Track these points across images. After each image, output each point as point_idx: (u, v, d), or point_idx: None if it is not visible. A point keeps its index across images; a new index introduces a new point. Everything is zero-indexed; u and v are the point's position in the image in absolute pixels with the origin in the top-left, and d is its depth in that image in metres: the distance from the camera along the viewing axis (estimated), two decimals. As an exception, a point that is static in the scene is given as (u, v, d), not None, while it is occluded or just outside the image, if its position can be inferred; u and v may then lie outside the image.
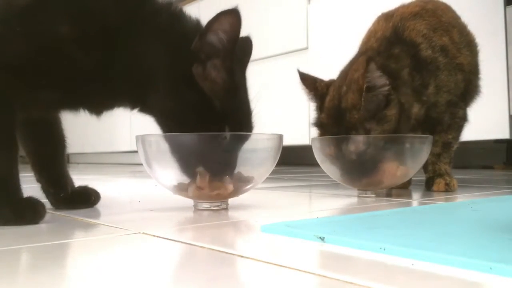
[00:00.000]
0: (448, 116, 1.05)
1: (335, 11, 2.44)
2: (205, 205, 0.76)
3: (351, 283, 0.34)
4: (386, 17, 1.08)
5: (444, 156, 1.06)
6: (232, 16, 0.68)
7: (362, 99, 0.88)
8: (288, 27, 2.64)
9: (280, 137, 0.78)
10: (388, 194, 1.01)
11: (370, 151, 0.88)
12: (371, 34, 1.07)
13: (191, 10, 2.84)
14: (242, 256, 0.43)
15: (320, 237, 0.47)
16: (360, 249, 0.43)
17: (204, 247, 0.48)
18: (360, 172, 0.91)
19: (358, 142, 0.87)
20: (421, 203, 0.89)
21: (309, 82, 1.00)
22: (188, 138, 0.71)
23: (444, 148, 1.06)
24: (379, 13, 1.13)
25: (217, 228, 0.61)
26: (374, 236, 0.47)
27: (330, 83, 0.98)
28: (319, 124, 0.97)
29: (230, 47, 0.70)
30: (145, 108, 0.73)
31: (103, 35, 0.67)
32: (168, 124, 0.72)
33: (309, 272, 0.37)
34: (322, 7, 2.51)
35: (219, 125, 0.71)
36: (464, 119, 1.09)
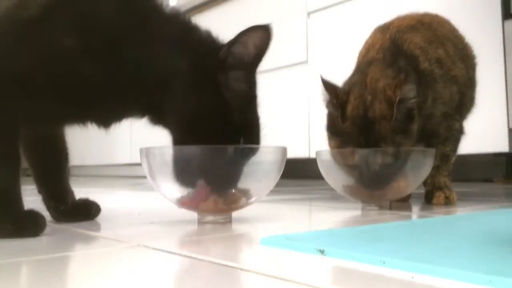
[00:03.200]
0: (444, 128, 1.06)
1: (334, 25, 2.45)
2: (210, 218, 0.76)
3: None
4: (382, 30, 1.09)
5: (443, 169, 1.06)
6: (264, 32, 0.70)
7: (395, 110, 0.87)
8: (287, 41, 2.65)
9: (284, 150, 0.78)
10: (390, 207, 1.01)
11: (397, 164, 0.88)
12: (369, 47, 1.08)
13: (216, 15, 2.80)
14: (242, 269, 0.43)
15: (320, 250, 0.47)
16: (360, 262, 0.43)
17: (204, 260, 0.48)
18: (379, 184, 0.90)
19: (387, 155, 0.87)
20: (422, 216, 0.89)
21: (331, 88, 0.97)
22: (203, 150, 0.70)
23: (443, 160, 1.06)
24: (378, 24, 1.14)
25: (219, 241, 0.61)
26: (375, 249, 0.47)
27: (349, 91, 0.95)
28: (341, 132, 0.93)
29: (256, 61, 0.71)
30: (157, 117, 0.73)
31: (111, 46, 0.67)
32: (183, 132, 0.71)
33: (308, 285, 0.37)
34: (321, 21, 2.52)
35: (235, 136, 0.71)
36: (460, 131, 1.09)
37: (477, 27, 1.80)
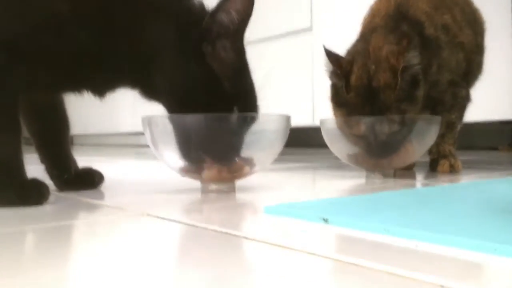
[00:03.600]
0: (450, 96, 1.04)
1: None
2: (214, 187, 0.76)
3: (355, 264, 0.34)
4: None
5: (448, 137, 1.06)
6: None
7: (399, 78, 0.86)
8: (291, 7, 2.61)
9: (288, 118, 0.77)
10: (394, 175, 1.01)
11: (404, 132, 0.87)
12: (375, 13, 1.06)
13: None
14: (245, 238, 0.43)
15: (323, 219, 0.47)
16: (363, 231, 0.43)
17: (207, 228, 0.48)
18: (385, 152, 0.90)
19: (394, 123, 0.86)
20: (426, 184, 0.88)
21: (334, 58, 0.96)
22: (201, 119, 0.70)
23: (448, 128, 1.05)
24: None
25: (223, 210, 0.61)
26: (378, 217, 0.47)
27: (352, 60, 0.94)
28: (346, 103, 0.92)
29: (241, 28, 0.70)
30: (148, 88, 0.72)
31: (102, 13, 0.66)
32: (175, 104, 0.71)
33: (312, 253, 0.37)
34: (326, -15, 2.47)
35: (228, 105, 0.70)
36: (466, 98, 1.08)
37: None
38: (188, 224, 0.50)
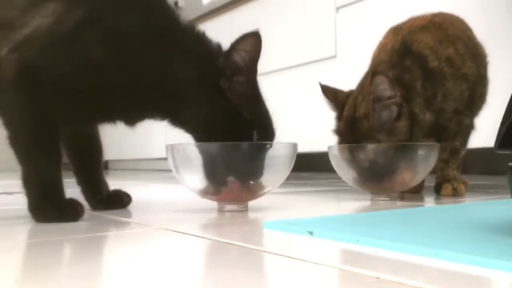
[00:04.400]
0: (455, 124, 1.11)
1: (363, 19, 2.48)
2: (230, 207, 0.85)
3: (322, 264, 0.43)
4: (395, 31, 1.15)
5: (452, 162, 1.12)
6: (254, 38, 0.78)
7: (370, 109, 0.95)
8: (316, 36, 2.70)
9: (295, 145, 0.86)
10: (401, 198, 1.08)
11: (381, 160, 0.95)
12: (382, 47, 1.15)
13: (225, 20, 2.97)
14: (243, 247, 0.52)
15: (309, 232, 0.55)
16: (339, 241, 0.52)
17: (217, 240, 0.57)
18: (374, 178, 0.98)
19: (368, 151, 0.95)
20: (419, 206, 0.95)
21: (330, 93, 1.07)
22: (228, 146, 0.79)
23: (452, 154, 1.12)
24: (406, 18, 1.20)
25: (232, 226, 0.70)
26: (357, 231, 0.55)
27: (350, 93, 1.06)
28: (337, 131, 1.05)
29: (252, 65, 0.80)
30: (176, 120, 0.83)
31: (133, 57, 0.77)
32: (201, 133, 0.81)
33: (294, 258, 0.46)
34: (350, 15, 2.55)
35: (248, 131, 0.81)
36: (470, 126, 1.14)
37: (491, 27, 1.81)
38: (203, 237, 0.60)
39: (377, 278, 0.37)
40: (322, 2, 2.63)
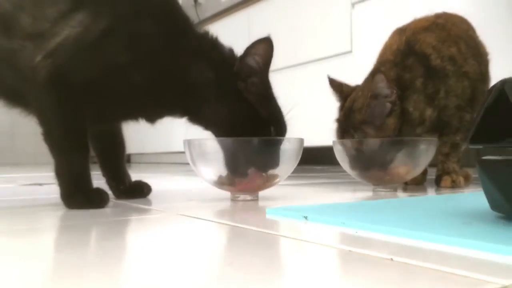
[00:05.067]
0: (457, 119, 1.18)
1: (378, 15, 2.52)
2: (242, 196, 0.93)
3: (311, 242, 0.51)
4: (400, 32, 1.22)
5: (452, 156, 1.19)
6: (266, 43, 0.87)
7: (365, 105, 1.03)
8: (332, 31, 2.74)
9: (301, 140, 0.94)
10: (404, 189, 1.15)
11: (366, 150, 1.04)
12: (387, 47, 1.22)
13: (242, 16, 3.04)
14: (242, 227, 0.61)
15: (304, 217, 0.63)
16: (327, 224, 0.60)
17: (221, 223, 0.66)
18: (364, 165, 1.07)
19: (353, 141, 1.06)
20: (412, 196, 1.02)
21: (336, 85, 1.16)
22: (250, 141, 0.88)
23: (452, 148, 1.18)
24: (421, 15, 1.27)
25: (240, 212, 0.78)
26: (344, 215, 0.63)
27: (355, 88, 1.13)
28: (337, 120, 1.14)
29: (265, 67, 0.89)
30: (196, 118, 0.91)
31: (154, 61, 0.85)
32: (223, 130, 0.89)
33: (289, 237, 0.54)
34: (365, 11, 2.60)
35: (266, 127, 0.90)
36: (471, 122, 1.20)
37: (492, 26, 1.85)
38: (214, 221, 0.68)
39: (350, 251, 0.45)
40: (339, -2, 2.68)
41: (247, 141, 0.88)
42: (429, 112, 1.13)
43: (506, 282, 0.35)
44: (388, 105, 1.05)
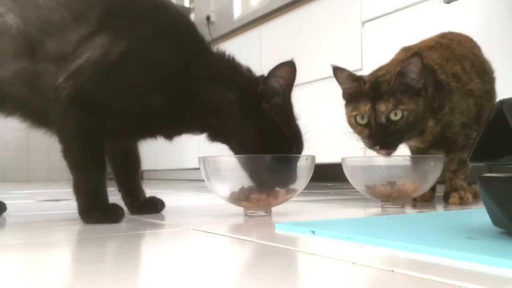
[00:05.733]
0: (463, 137, 1.19)
1: (388, 33, 2.55)
2: (254, 212, 0.95)
3: (317, 255, 0.53)
4: (406, 49, 1.25)
5: (460, 173, 1.20)
6: (290, 66, 0.91)
7: (393, 77, 1.06)
8: (343, 49, 2.77)
9: (313, 157, 0.96)
10: (413, 206, 1.17)
11: (401, 122, 1.06)
12: (394, 60, 1.23)
13: (254, 34, 3.08)
14: (253, 241, 0.63)
15: (312, 231, 0.66)
16: (334, 238, 0.62)
17: (231, 237, 0.68)
18: (384, 138, 1.07)
19: (388, 103, 1.06)
20: (421, 212, 1.04)
21: (340, 71, 1.14)
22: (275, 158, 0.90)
23: (460, 165, 1.20)
24: (430, 34, 1.31)
25: (250, 226, 0.81)
26: (350, 230, 0.65)
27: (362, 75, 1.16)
28: (359, 93, 1.10)
29: (288, 89, 0.93)
30: (217, 135, 0.94)
31: (171, 82, 0.88)
32: (247, 148, 0.91)
33: (297, 251, 0.57)
34: (375, 29, 2.63)
35: (290, 146, 0.93)
36: None
37: (499, 45, 1.87)
38: (225, 236, 0.71)
39: (353, 263, 0.48)
40: (349, 16, 2.71)
41: (273, 158, 0.90)
42: (431, 124, 1.15)
43: (500, 292, 0.37)
44: (418, 85, 1.07)
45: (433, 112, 1.15)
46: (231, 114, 0.90)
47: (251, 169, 0.91)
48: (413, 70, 1.06)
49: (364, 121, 1.09)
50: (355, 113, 1.11)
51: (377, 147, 1.08)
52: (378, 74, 1.12)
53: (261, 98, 0.91)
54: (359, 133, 1.12)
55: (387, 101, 1.06)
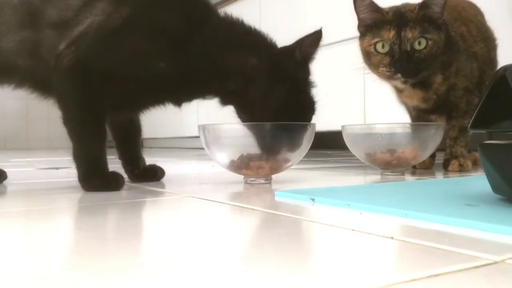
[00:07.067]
0: (465, 103, 1.19)
1: None
2: (254, 180, 0.94)
3: (317, 222, 0.53)
4: None
5: (461, 140, 1.20)
6: (318, 34, 0.91)
7: (418, 7, 1.06)
8: (343, 15, 2.72)
9: (313, 125, 0.96)
10: (413, 173, 1.17)
11: (425, 51, 1.06)
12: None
13: (253, 4, 3.03)
14: (252, 209, 0.64)
15: (312, 199, 0.66)
16: (334, 206, 0.62)
17: (230, 204, 0.69)
18: (407, 66, 1.07)
19: (414, 30, 1.05)
20: (420, 179, 1.04)
21: (361, 0, 1.11)
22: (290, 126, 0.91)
23: (461, 132, 1.20)
24: None
25: (248, 194, 0.81)
26: (349, 198, 0.66)
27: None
28: (383, 22, 1.09)
29: (312, 56, 0.94)
30: (232, 100, 0.93)
31: (177, 47, 0.86)
32: (266, 113, 0.90)
33: (297, 218, 0.57)
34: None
35: (309, 114, 0.94)
36: None
37: (501, 13, 1.84)
38: (222, 203, 0.71)
39: (353, 230, 0.48)
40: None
41: (282, 125, 0.90)
42: (438, 79, 1.14)
43: (497, 258, 0.37)
44: (440, 20, 1.07)
45: (442, 66, 1.13)
46: (255, 78, 0.89)
47: (260, 136, 0.91)
48: (438, 2, 1.06)
49: (385, 49, 1.08)
50: (376, 39, 1.09)
51: (399, 74, 1.08)
52: (399, 7, 1.11)
53: (297, 66, 0.91)
54: (378, 62, 1.10)
55: (414, 28, 1.06)
